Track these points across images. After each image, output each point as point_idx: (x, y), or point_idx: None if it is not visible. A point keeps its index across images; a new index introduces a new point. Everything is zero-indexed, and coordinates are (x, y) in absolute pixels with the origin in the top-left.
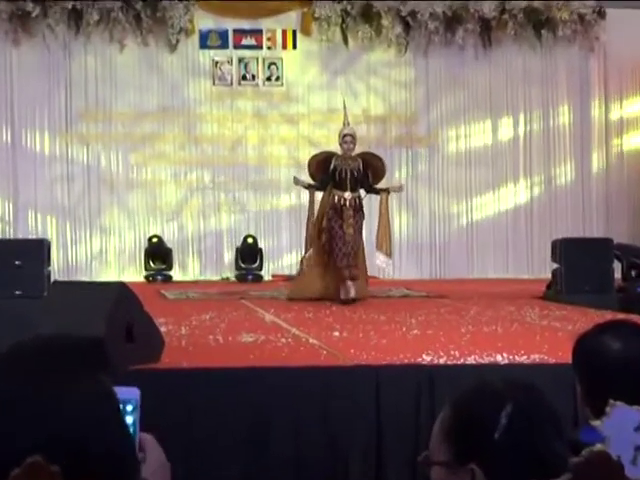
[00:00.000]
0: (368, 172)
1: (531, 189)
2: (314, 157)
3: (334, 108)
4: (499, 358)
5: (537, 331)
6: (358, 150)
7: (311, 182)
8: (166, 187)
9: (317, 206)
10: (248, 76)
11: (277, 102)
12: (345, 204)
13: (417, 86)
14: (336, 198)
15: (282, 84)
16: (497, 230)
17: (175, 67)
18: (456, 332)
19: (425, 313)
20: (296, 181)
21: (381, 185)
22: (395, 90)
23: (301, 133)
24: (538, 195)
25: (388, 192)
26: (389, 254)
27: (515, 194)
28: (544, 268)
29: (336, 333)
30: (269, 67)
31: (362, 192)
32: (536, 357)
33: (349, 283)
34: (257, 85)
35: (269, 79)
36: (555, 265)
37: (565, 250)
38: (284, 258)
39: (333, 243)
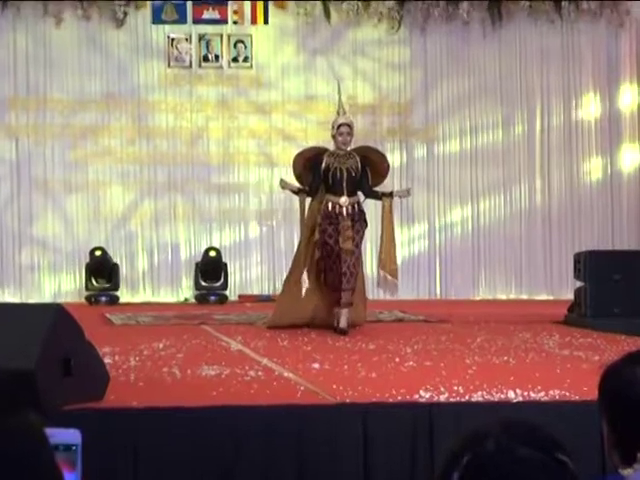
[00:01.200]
0: (367, 171)
1: (549, 192)
2: (301, 154)
3: (313, 95)
4: (511, 395)
5: (557, 362)
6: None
7: (300, 186)
8: (112, 190)
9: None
10: (210, 57)
11: (245, 88)
12: (341, 212)
13: (413, 69)
14: (329, 205)
15: (251, 66)
16: (508, 241)
17: (122, 46)
18: (460, 364)
19: (422, 341)
20: (283, 184)
21: (382, 188)
22: (386, 74)
23: (274, 125)
24: (558, 199)
25: (392, 197)
26: (395, 274)
27: (530, 198)
28: (565, 287)
29: (316, 365)
30: (235, 46)
31: (361, 196)
32: (556, 393)
33: (343, 310)
34: (221, 67)
35: (235, 60)
36: (579, 283)
37: (591, 265)
38: (254, 275)
39: (328, 261)
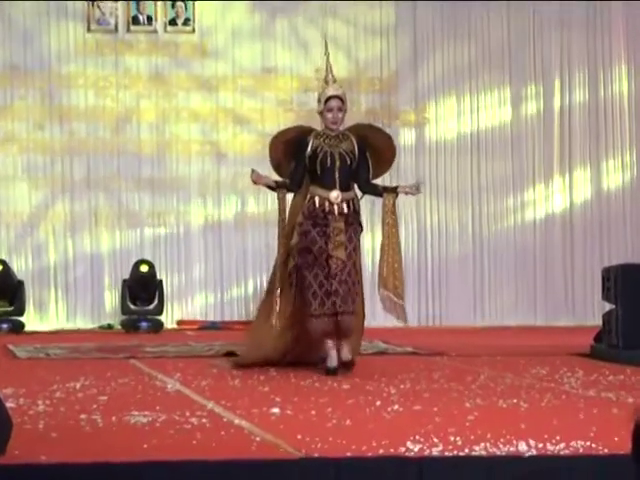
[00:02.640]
0: (367, 157)
1: (570, 191)
2: (280, 136)
3: (272, 67)
4: (523, 447)
5: (580, 406)
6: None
7: (278, 178)
8: (15, 187)
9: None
10: (141, 18)
11: (185, 58)
12: (331, 211)
13: (399, 36)
14: (316, 201)
15: (193, 30)
16: (519, 253)
17: (28, 6)
18: (458, 408)
19: (411, 379)
20: (256, 177)
21: (383, 181)
22: (366, 42)
23: (222, 105)
24: (581, 200)
25: (397, 194)
26: (400, 295)
27: (547, 198)
28: (591, 310)
29: (276, 410)
30: (173, 5)
31: (357, 191)
32: (579, 445)
33: (331, 345)
34: (155, 32)
35: (173, 23)
36: (608, 305)
37: (623, 282)
38: (197, 295)
39: (309, 278)
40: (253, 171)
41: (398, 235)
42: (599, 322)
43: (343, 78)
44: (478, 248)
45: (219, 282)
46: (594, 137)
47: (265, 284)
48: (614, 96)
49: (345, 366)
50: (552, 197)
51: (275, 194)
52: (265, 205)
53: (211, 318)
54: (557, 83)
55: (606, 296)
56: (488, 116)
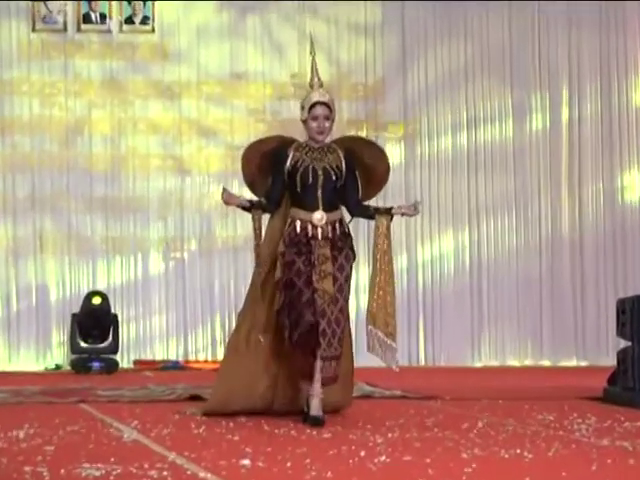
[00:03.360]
0: (356, 174)
1: (580, 211)
2: (255, 146)
3: (241, 72)
4: None
5: (593, 457)
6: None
7: (252, 197)
8: None
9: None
10: (94, 16)
11: (144, 61)
12: (314, 235)
13: (386, 37)
14: (297, 225)
15: (152, 30)
16: (523, 282)
17: None
18: (454, 459)
19: (400, 426)
20: (228, 197)
21: (377, 202)
22: (349, 43)
23: (185, 115)
24: (593, 220)
25: (391, 215)
26: (391, 334)
27: (553, 218)
28: (604, 348)
29: (246, 461)
30: (130, 1)
31: (345, 212)
32: None
33: (317, 392)
34: (109, 32)
35: (130, 21)
36: (623, 343)
37: None
38: (156, 332)
39: (294, 315)
40: (224, 190)
41: (392, 263)
42: (613, 361)
43: (323, 84)
44: (475, 276)
45: (182, 317)
46: (607, 150)
47: (235, 318)
48: (629, 106)
49: (315, 422)
50: (560, 217)
51: (249, 216)
52: (234, 229)
53: (173, 357)
54: (565, 90)
55: (621, 332)
56: (487, 128)
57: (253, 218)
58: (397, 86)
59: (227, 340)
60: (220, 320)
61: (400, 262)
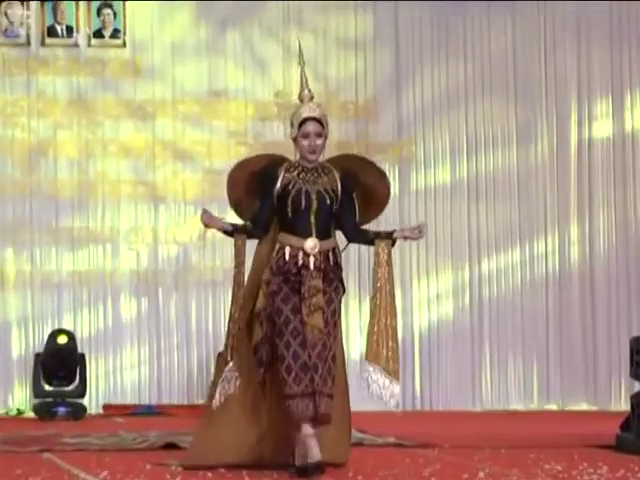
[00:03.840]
0: (353, 197)
1: (591, 241)
2: (242, 166)
3: (220, 90)
4: None
5: None
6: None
7: (237, 221)
8: None
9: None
10: (59, 29)
11: (114, 78)
12: (306, 264)
13: (378, 49)
14: (286, 252)
15: (124, 44)
16: (528, 319)
17: None
18: None
19: (394, 477)
20: (208, 219)
21: (375, 225)
22: (337, 56)
23: (159, 136)
24: (604, 252)
25: (394, 240)
26: (394, 373)
27: (561, 250)
28: (617, 391)
29: None
30: (99, 13)
31: (340, 238)
32: None
33: (311, 432)
34: (76, 46)
35: (99, 35)
36: (637, 385)
37: None
38: (127, 373)
39: (280, 347)
40: (204, 212)
41: (394, 293)
42: (626, 406)
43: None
44: (476, 314)
45: (155, 357)
46: (619, 177)
47: (214, 358)
48: None
49: (319, 471)
50: (568, 249)
51: (230, 247)
52: (213, 260)
53: (145, 401)
54: (574, 110)
55: (635, 373)
56: (489, 152)
57: (236, 243)
58: (390, 105)
59: (208, 383)
60: (197, 361)
61: (395, 301)
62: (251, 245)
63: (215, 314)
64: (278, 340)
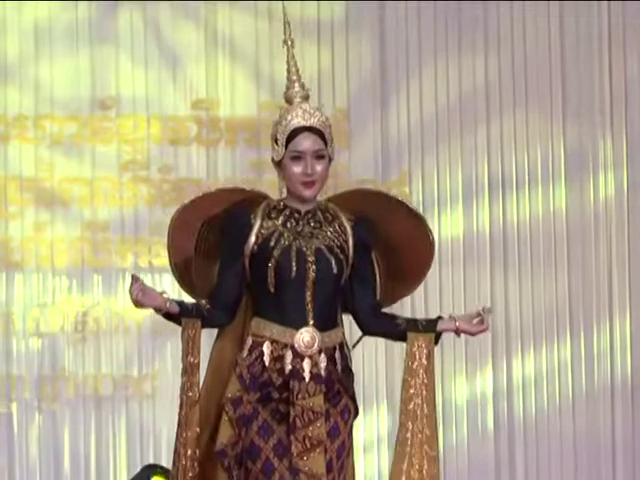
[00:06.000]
0: (373, 258)
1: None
2: (193, 206)
3: (108, 100)
4: None
5: None
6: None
7: (186, 298)
8: None
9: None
10: None
11: None
12: (298, 372)
13: (352, 41)
14: (266, 353)
15: None
16: (583, 449)
17: None
18: None
19: None
20: (140, 293)
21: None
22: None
23: (13, 172)
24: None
25: (438, 335)
26: None
27: (635, 347)
28: None
29: None
30: None
31: (343, 325)
32: None
33: None
34: None
35: None
36: None
37: None
38: None
39: None
40: (135, 280)
41: (435, 415)
42: None
43: (267, 121)
44: (505, 437)
45: None
46: None
47: None
48: None
49: None
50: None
51: (179, 330)
52: (97, 363)
53: None
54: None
55: None
56: (522, 191)
57: (184, 334)
58: (372, 122)
59: None
60: None
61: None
62: (207, 337)
63: (99, 448)
64: None
